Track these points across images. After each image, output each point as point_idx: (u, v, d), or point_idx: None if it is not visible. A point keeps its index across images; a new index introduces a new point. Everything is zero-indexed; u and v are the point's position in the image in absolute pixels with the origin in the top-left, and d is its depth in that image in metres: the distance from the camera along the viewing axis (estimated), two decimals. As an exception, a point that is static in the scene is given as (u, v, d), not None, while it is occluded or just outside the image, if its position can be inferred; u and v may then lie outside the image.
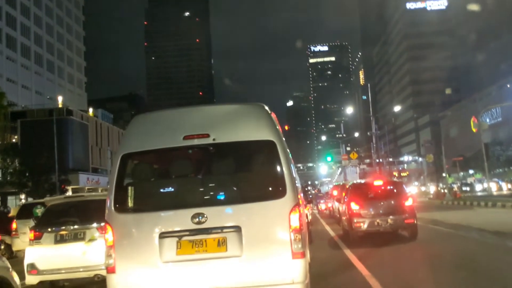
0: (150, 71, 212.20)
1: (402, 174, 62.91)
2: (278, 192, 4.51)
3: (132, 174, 4.92)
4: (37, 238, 7.74)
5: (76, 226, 7.79)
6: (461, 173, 69.24)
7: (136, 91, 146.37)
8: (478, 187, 53.14)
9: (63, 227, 7.77)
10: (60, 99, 61.96)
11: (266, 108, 4.89)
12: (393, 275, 7.96)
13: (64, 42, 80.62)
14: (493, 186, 47.02)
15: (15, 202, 46.18)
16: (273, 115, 4.91)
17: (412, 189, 51.99)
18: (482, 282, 7.11)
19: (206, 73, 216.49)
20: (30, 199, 31.63)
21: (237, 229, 4.40)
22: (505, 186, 52.47)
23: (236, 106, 5.11)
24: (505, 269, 8.10)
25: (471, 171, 70.53)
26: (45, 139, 45.18)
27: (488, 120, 60.72)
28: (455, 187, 50.08)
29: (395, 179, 40.26)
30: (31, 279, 7.52)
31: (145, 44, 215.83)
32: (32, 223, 9.76)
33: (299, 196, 4.93)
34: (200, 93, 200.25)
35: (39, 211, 11.76)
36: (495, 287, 6.89)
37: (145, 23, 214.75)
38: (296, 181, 5.31)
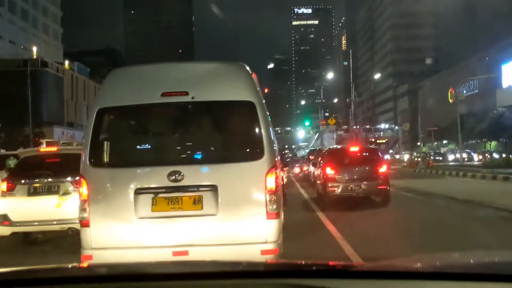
0: (128, 25, 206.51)
1: (379, 141, 63.35)
2: (255, 153, 4.53)
3: (108, 129, 4.85)
4: (10, 190, 7.65)
5: (50, 179, 7.71)
6: (435, 143, 70.63)
7: (113, 46, 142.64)
8: (451, 157, 54.36)
9: (37, 180, 7.69)
10: (34, 49, 60.06)
11: (247, 68, 4.84)
12: (363, 238, 8.18)
13: (39, -11, 77.40)
14: (465, 156, 48.19)
15: (-13, 153, 45.31)
16: (254, 76, 4.86)
17: (387, 156, 52.91)
18: (445, 246, 7.38)
19: (187, 30, 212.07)
20: (3, 151, 31.08)
21: (213, 188, 4.42)
22: (476, 157, 53.81)
23: (216, 65, 5.04)
24: (469, 235, 8.41)
25: (445, 141, 72.04)
26: (18, 90, 43.96)
27: (465, 91, 61.53)
28: (427, 156, 51.12)
29: (373, 146, 40.92)
30: (3, 230, 7.48)
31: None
32: (4, 174, 9.61)
33: (276, 159, 4.96)
34: (180, 51, 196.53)
35: (12, 162, 11.58)
36: (455, 248, 7.16)
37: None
38: (274, 144, 5.33)
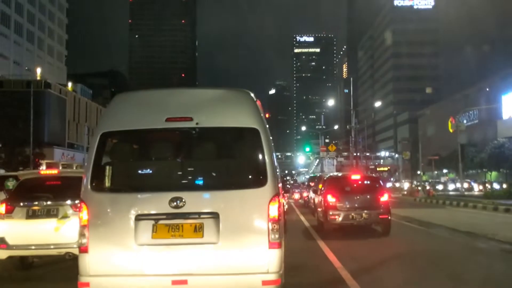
0: (133, 49, 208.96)
1: (380, 169, 62.92)
2: (258, 180, 4.47)
3: (111, 153, 4.80)
4: (8, 212, 7.54)
5: (49, 202, 7.62)
6: (436, 172, 70.46)
7: (117, 68, 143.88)
8: (451, 187, 54.11)
9: (36, 202, 7.59)
10: (38, 71, 60.57)
11: (252, 95, 4.83)
12: (364, 268, 8.06)
13: (46, 12, 78.55)
14: (465, 186, 48.03)
15: (-14, 173, 45.20)
16: (258, 103, 4.85)
17: (389, 184, 52.69)
18: (448, 279, 7.26)
19: (190, 55, 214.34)
20: (2, 171, 30.97)
21: (215, 215, 4.35)
22: (476, 187, 53.59)
23: (221, 91, 5.03)
24: (472, 268, 8.28)
25: (445, 170, 71.86)
26: (21, 111, 44.20)
27: (465, 121, 61.74)
28: (428, 185, 50.92)
29: (375, 175, 40.83)
30: (0, 253, 7.35)
31: (130, 21, 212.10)
32: (3, 195, 9.53)
33: (279, 186, 4.90)
34: (183, 75, 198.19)
35: (10, 183, 11.49)
36: (460, 283, 7.03)
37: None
38: (277, 170, 5.29)
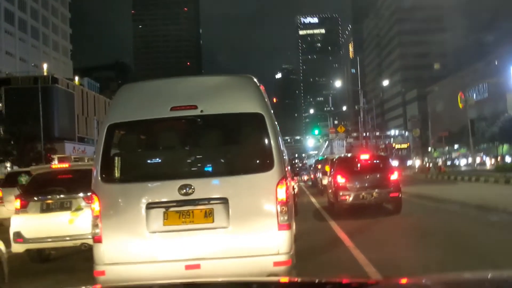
0: (137, 39, 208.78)
1: (401, 146, 60.20)
2: (265, 165, 4.53)
3: (119, 144, 4.88)
4: (23, 207, 7.71)
5: (62, 196, 7.76)
6: (447, 148, 70.05)
7: (122, 60, 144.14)
8: (463, 162, 53.84)
9: (49, 196, 7.74)
10: (45, 66, 60.81)
11: (255, 80, 4.86)
12: (376, 246, 8.12)
13: (49, 8, 78.51)
14: (477, 161, 47.72)
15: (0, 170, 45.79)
16: (262, 88, 4.88)
17: (410, 162, 52.06)
18: (461, 253, 7.30)
19: (194, 43, 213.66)
20: (15, 168, 31.35)
21: (224, 201, 4.42)
22: (488, 161, 53.28)
23: (224, 78, 5.08)
24: (485, 240, 8.31)
25: (456, 146, 71.43)
26: (30, 107, 44.42)
27: (474, 96, 61.15)
28: (440, 161, 50.66)
29: (393, 152, 40.64)
30: (17, 247, 7.51)
31: (132, 12, 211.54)
32: (17, 191, 9.71)
33: (286, 169, 4.96)
34: (188, 63, 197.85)
35: (24, 179, 11.69)
36: (473, 256, 7.07)
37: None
38: (284, 154, 5.34)
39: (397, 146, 60.07)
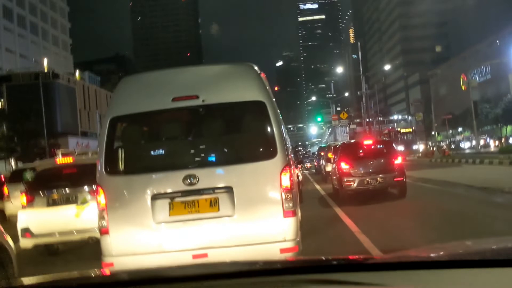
0: (136, 32, 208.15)
1: (406, 130, 59.68)
2: (269, 152, 4.54)
3: (122, 137, 4.90)
4: (29, 202, 7.76)
5: (67, 190, 7.81)
6: (450, 131, 69.87)
7: (122, 53, 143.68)
8: (467, 145, 53.71)
9: (55, 191, 7.78)
10: (45, 62, 60.76)
11: (256, 68, 4.85)
12: (382, 231, 8.15)
13: (47, 2, 78.21)
14: (481, 143, 47.56)
15: (4, 167, 46.00)
16: (263, 75, 4.87)
17: (415, 147, 51.90)
18: (468, 235, 7.31)
19: (194, 33, 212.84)
20: (20, 164, 31.48)
21: (229, 189, 4.44)
22: (492, 143, 53.14)
23: (225, 66, 5.07)
24: (490, 222, 8.32)
25: (460, 129, 71.21)
26: (32, 103, 44.51)
27: (477, 77, 60.78)
28: (444, 145, 50.56)
29: (399, 137, 40.70)
30: (25, 243, 7.57)
31: (130, 4, 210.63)
32: (23, 187, 9.76)
33: (289, 157, 4.96)
34: (188, 54, 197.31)
35: (29, 175, 11.75)
36: (480, 237, 7.08)
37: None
38: (287, 142, 5.34)
39: (403, 130, 59.56)
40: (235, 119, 4.95)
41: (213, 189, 4.45)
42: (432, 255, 1.86)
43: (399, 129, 59.34)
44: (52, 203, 7.72)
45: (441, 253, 1.94)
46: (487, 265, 1.48)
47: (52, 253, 8.23)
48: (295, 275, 1.60)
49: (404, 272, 1.52)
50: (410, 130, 59.81)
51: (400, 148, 46.10)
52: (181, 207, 4.44)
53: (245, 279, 1.61)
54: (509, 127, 58.20)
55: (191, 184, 4.40)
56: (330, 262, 1.75)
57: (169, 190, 4.48)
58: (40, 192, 7.81)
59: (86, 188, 7.69)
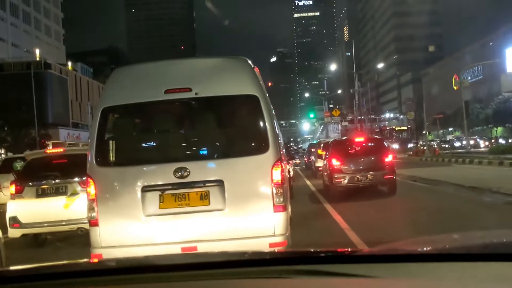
0: (130, 24, 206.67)
1: (400, 128, 59.82)
2: (260, 147, 4.54)
3: (113, 128, 4.88)
4: (18, 192, 7.71)
5: (57, 180, 7.77)
6: (441, 131, 70.29)
7: (116, 45, 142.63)
8: (457, 144, 54.03)
9: (45, 181, 7.74)
10: (37, 52, 60.22)
11: (249, 62, 4.84)
12: (370, 228, 8.20)
13: (40, -9, 77.42)
14: (471, 143, 47.86)
15: (-6, 157, 45.61)
16: (256, 70, 4.87)
17: (410, 145, 52.14)
18: (452, 232, 7.37)
19: (188, 27, 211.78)
20: (10, 154, 31.22)
21: (220, 183, 4.43)
22: (482, 143, 53.49)
23: (218, 60, 5.05)
24: (474, 221, 8.40)
25: (451, 129, 71.68)
26: (23, 93, 44.17)
27: (469, 78, 61.06)
28: (435, 144, 50.82)
29: (394, 135, 40.99)
30: (13, 232, 7.54)
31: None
32: (12, 177, 9.70)
33: (281, 152, 4.97)
34: (182, 47, 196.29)
35: (18, 165, 11.67)
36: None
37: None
38: (279, 137, 5.34)
39: (398, 128, 59.77)
40: (227, 113, 4.94)
41: (204, 182, 4.45)
42: (419, 248, 1.89)
43: (394, 127, 59.63)
44: (42, 193, 7.69)
45: (429, 246, 1.97)
46: (473, 259, 1.50)
47: (40, 243, 8.20)
48: (283, 266, 1.61)
49: (391, 264, 1.54)
50: (405, 128, 60.23)
51: (395, 146, 46.42)
52: (171, 200, 4.43)
53: (234, 269, 1.61)
54: (499, 128, 58.70)
55: (182, 177, 4.39)
56: (318, 253, 1.76)
57: (159, 183, 4.47)
58: (30, 182, 7.77)
59: (76, 179, 7.65)
